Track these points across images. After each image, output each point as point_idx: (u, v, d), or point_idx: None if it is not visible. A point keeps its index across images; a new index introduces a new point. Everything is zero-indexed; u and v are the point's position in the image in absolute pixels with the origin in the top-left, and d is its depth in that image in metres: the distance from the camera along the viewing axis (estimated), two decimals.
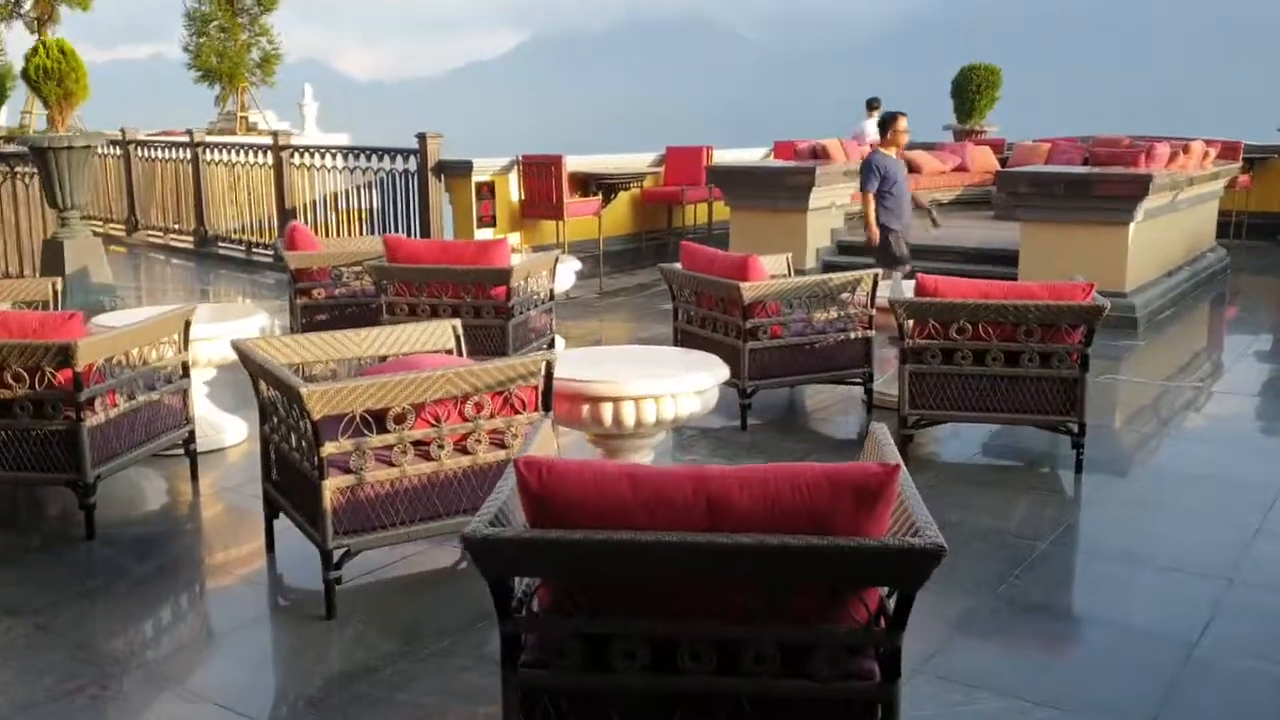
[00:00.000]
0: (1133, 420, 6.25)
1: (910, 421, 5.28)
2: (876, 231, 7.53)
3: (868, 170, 7.60)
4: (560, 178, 10.13)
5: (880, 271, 6.07)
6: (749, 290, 5.69)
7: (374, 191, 10.97)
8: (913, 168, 13.22)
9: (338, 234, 11.09)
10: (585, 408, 4.21)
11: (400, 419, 3.63)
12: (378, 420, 3.62)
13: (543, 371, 3.86)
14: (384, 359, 4.34)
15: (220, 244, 13.00)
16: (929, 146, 14.44)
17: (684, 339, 6.38)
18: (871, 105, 14.16)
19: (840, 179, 10.46)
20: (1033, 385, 5.13)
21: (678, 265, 6.43)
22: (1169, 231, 9.90)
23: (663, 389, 4.25)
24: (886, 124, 7.78)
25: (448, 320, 4.56)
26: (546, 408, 3.92)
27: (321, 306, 7.15)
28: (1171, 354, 7.90)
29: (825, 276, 6.02)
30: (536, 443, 2.80)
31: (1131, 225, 8.72)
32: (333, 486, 3.57)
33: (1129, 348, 8.03)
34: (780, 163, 12.14)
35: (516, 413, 3.86)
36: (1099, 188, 8.73)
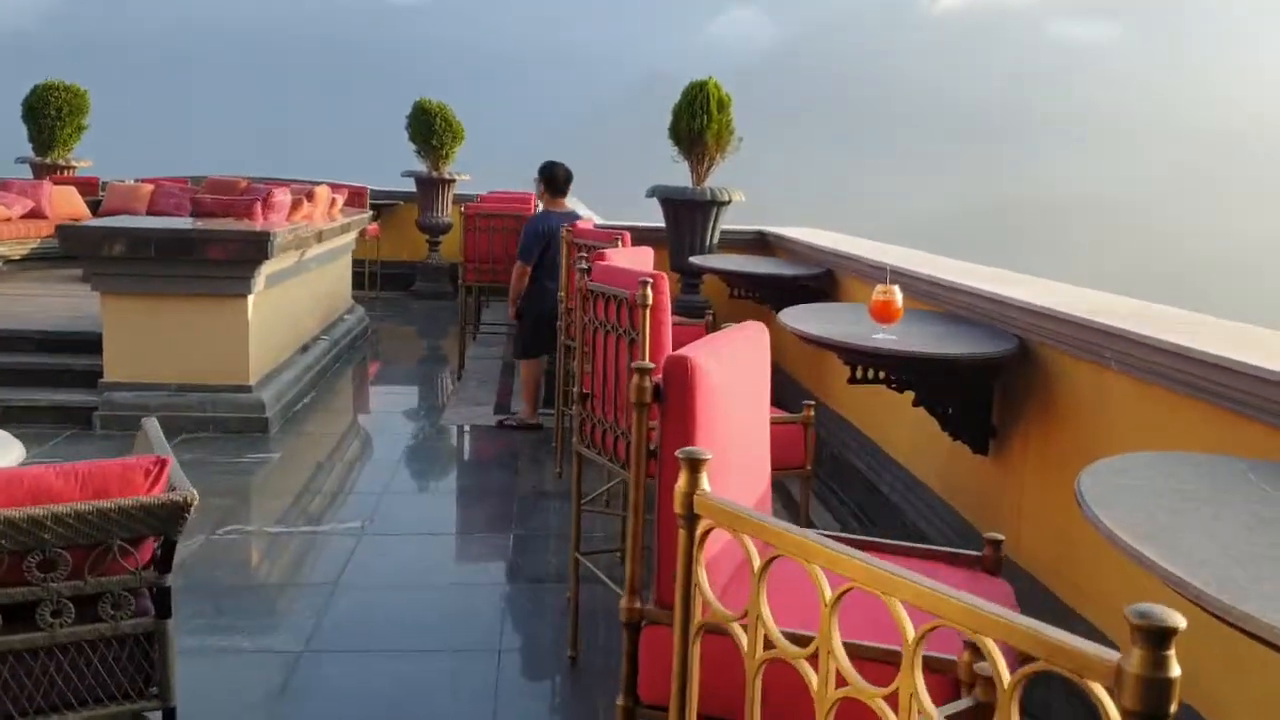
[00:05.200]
0: (281, 621, 4.12)
1: None
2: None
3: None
4: None
5: None
6: None
7: None
8: None
9: None
10: None
11: None
12: None
13: None
14: None
15: None
16: None
17: None
18: None
19: None
20: (75, 657, 2.69)
21: None
22: (300, 298, 8.12)
23: None
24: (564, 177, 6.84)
25: None
26: None
27: None
28: (316, 470, 6.02)
29: None
30: None
31: (251, 296, 6.70)
32: None
33: (261, 464, 5.98)
34: None
35: None
36: (205, 249, 6.52)
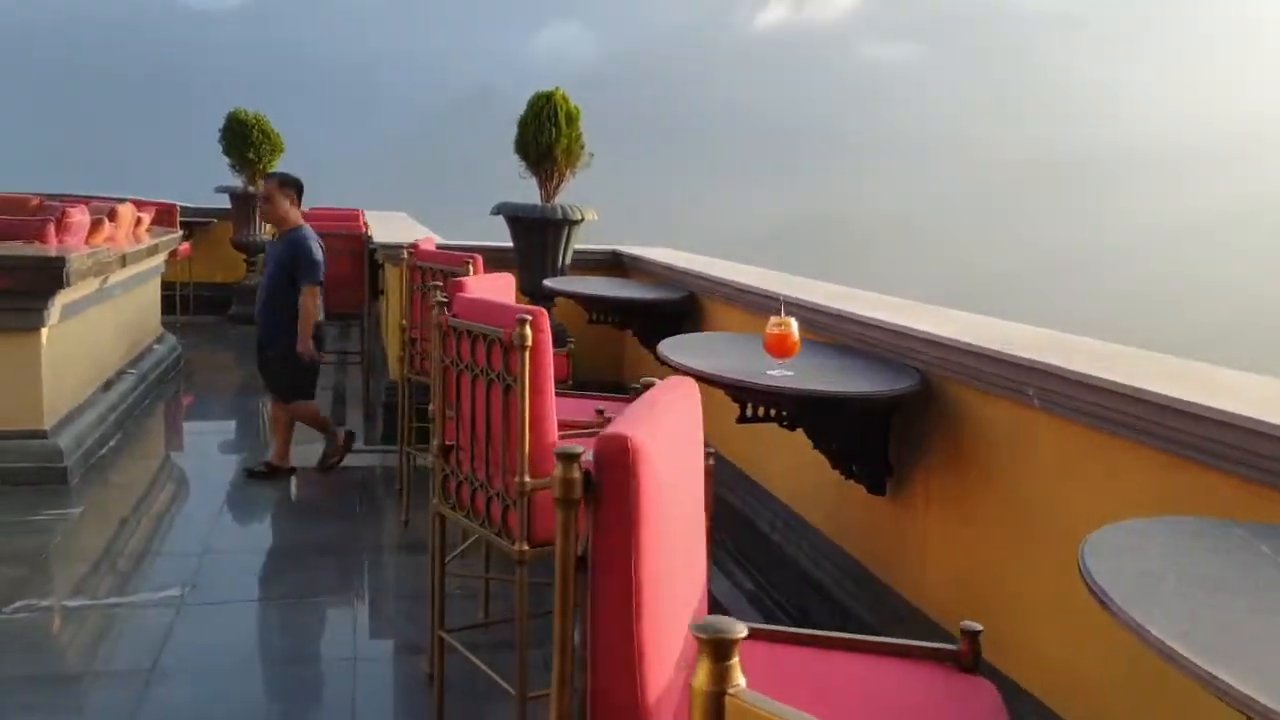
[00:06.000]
0: None
1: None
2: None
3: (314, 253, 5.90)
4: None
5: None
6: None
7: None
8: None
9: None
10: None
11: None
12: None
13: None
14: None
15: None
16: None
17: None
18: None
19: None
20: None
21: None
22: (102, 329, 7.29)
23: None
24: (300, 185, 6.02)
25: None
26: None
27: None
28: (123, 527, 5.30)
29: None
30: None
31: (45, 329, 5.91)
32: None
33: (59, 521, 5.22)
34: None
35: None
36: None
